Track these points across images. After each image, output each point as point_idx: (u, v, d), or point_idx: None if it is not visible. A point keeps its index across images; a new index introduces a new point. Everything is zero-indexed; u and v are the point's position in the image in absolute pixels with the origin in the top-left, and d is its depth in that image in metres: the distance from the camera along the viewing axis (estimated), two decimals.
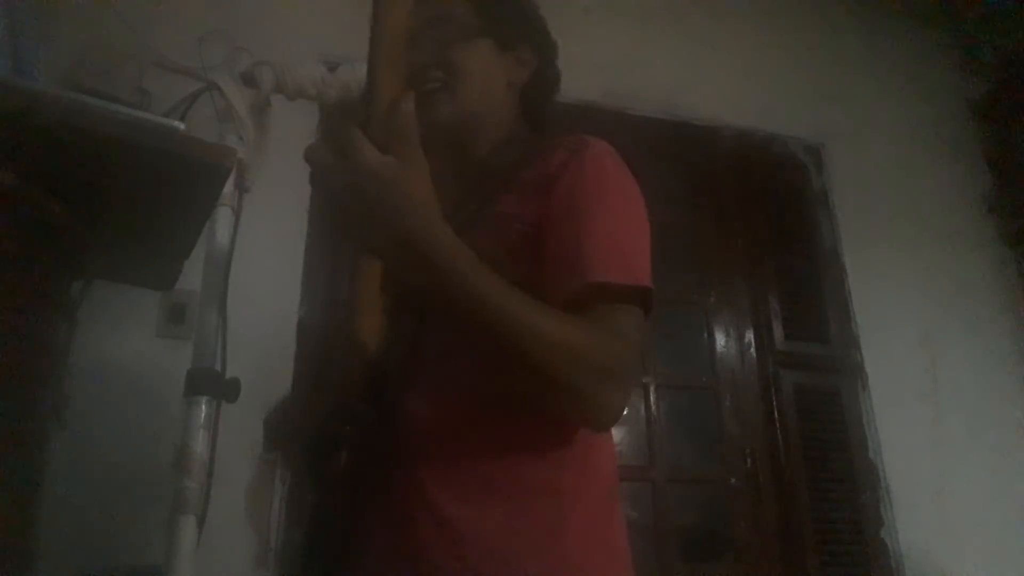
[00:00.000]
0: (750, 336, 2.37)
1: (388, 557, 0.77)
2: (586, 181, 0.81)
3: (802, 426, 2.26)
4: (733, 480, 2.17)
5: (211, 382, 1.09)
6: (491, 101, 0.95)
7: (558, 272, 0.76)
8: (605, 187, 0.81)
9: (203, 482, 1.04)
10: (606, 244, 0.77)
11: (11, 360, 0.83)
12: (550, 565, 0.74)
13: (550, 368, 0.67)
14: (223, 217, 1.16)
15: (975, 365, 2.54)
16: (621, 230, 0.80)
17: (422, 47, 0.90)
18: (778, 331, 2.37)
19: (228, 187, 1.13)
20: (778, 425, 2.25)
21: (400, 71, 0.71)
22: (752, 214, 2.51)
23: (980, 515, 2.31)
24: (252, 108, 1.20)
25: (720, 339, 2.34)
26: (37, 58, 1.01)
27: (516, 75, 0.97)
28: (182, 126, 0.87)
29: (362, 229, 0.64)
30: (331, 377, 0.79)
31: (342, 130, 0.63)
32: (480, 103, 0.93)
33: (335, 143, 0.63)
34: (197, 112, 1.14)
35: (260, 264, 1.84)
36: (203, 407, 1.07)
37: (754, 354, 2.35)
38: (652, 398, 2.17)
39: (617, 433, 2.14)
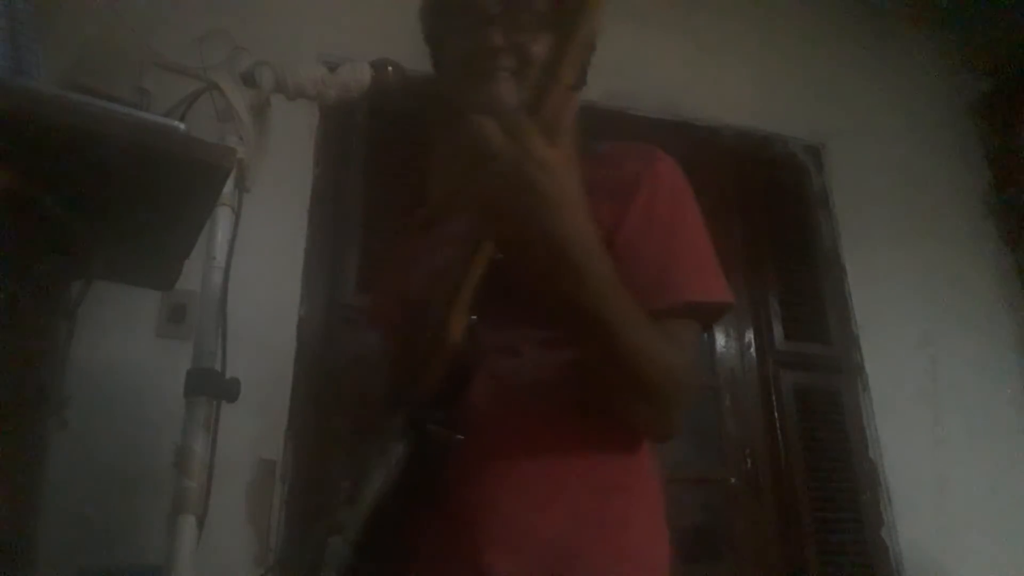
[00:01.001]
0: (750, 336, 2.37)
1: (445, 554, 0.77)
2: (664, 196, 0.84)
3: (802, 426, 2.26)
4: (733, 480, 2.17)
5: (211, 382, 1.08)
6: None
7: (648, 286, 0.77)
8: (682, 203, 0.85)
9: (203, 482, 1.03)
10: (694, 264, 0.81)
11: (11, 360, 0.83)
12: (615, 556, 0.76)
13: (652, 385, 0.72)
14: (223, 217, 1.16)
15: (975, 365, 2.54)
16: (703, 247, 0.84)
17: (501, 28, 0.87)
18: (778, 331, 2.37)
19: (228, 187, 1.12)
20: (778, 425, 2.25)
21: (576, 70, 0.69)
22: (752, 214, 2.51)
23: (980, 515, 2.31)
24: (252, 108, 1.19)
25: (720, 339, 2.34)
26: (37, 58, 1.01)
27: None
28: (182, 126, 0.87)
29: (512, 213, 0.63)
30: (411, 365, 0.76)
31: (512, 114, 0.63)
32: None
33: (503, 124, 0.63)
34: (197, 112, 1.13)
35: (260, 264, 1.83)
36: (203, 407, 1.07)
37: (754, 354, 2.35)
38: None
39: None
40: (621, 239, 0.80)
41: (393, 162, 2.13)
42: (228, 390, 1.10)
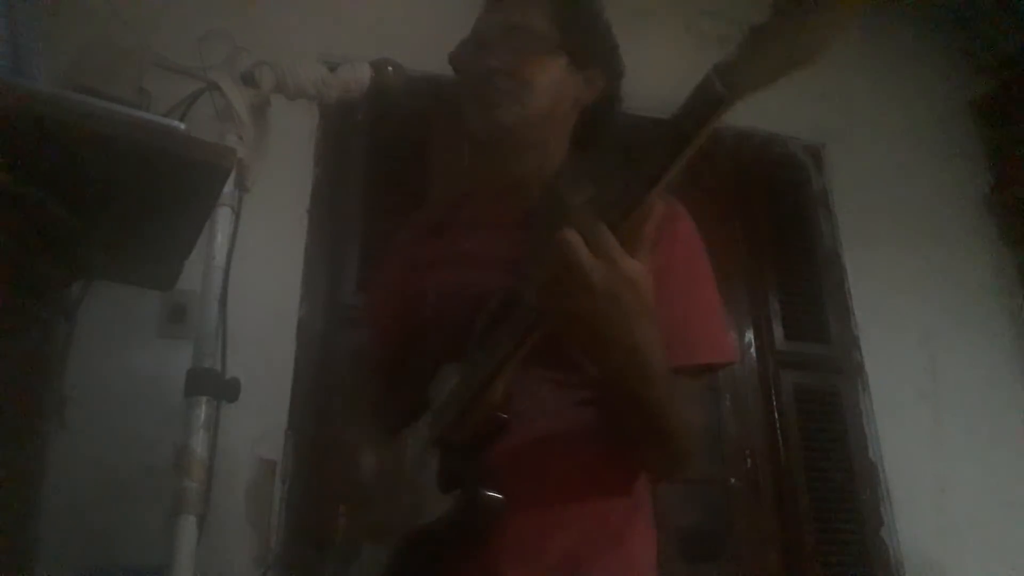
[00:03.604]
0: (750, 336, 2.37)
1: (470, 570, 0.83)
2: (680, 255, 0.88)
3: (802, 426, 2.26)
4: (733, 480, 2.17)
5: (211, 382, 1.08)
6: (556, 117, 0.97)
7: (665, 345, 0.80)
8: (697, 263, 0.91)
9: (203, 482, 1.04)
10: (706, 325, 0.87)
11: (11, 360, 0.83)
12: (620, 560, 0.85)
13: (676, 444, 0.80)
14: (223, 217, 1.16)
15: (975, 365, 2.54)
16: (714, 307, 0.90)
17: (496, 53, 0.93)
18: (778, 331, 2.37)
19: (228, 187, 1.12)
20: (778, 425, 2.25)
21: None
22: (752, 215, 2.51)
23: (980, 515, 2.31)
24: (252, 108, 1.20)
25: None
26: (37, 58, 1.01)
27: (584, 95, 0.99)
28: (182, 126, 0.87)
29: (595, 322, 0.66)
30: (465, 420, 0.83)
31: (598, 229, 0.63)
32: (545, 117, 0.95)
33: (589, 239, 0.63)
34: (197, 112, 1.14)
35: (260, 264, 1.83)
36: (203, 407, 1.07)
37: (754, 354, 2.35)
38: None
39: None
40: None
41: (393, 162, 2.13)
42: (228, 390, 1.10)
